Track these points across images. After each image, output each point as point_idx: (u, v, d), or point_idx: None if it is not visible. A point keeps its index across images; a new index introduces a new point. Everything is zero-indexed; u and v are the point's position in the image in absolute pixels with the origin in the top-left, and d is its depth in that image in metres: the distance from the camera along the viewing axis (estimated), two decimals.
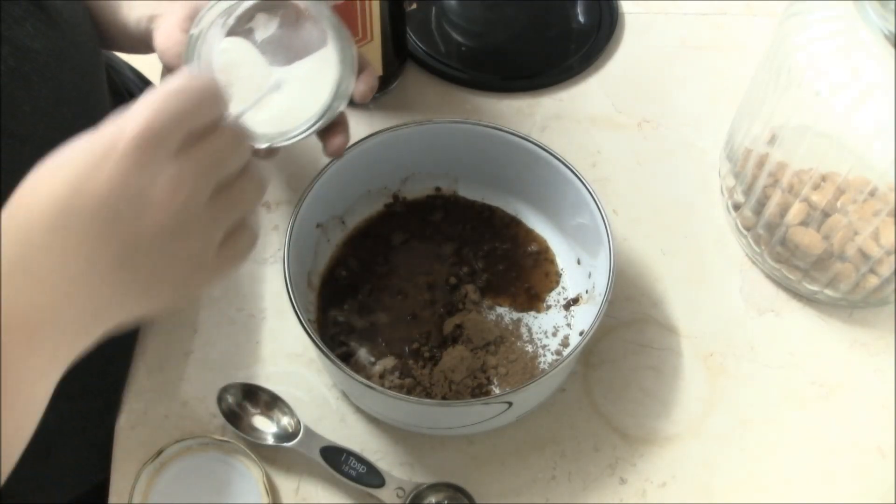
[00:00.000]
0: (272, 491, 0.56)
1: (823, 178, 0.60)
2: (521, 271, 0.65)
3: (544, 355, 0.61)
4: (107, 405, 0.60)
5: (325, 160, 0.59)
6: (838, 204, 0.59)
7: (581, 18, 0.83)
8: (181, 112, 0.36)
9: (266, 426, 0.58)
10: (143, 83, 0.76)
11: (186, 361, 0.62)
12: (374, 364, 0.60)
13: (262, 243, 0.67)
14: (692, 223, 0.70)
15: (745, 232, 0.66)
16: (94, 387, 0.60)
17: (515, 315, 0.63)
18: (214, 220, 0.39)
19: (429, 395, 0.58)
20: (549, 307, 0.63)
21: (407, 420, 0.58)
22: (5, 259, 0.34)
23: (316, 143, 0.56)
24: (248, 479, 0.56)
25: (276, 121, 0.52)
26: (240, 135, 0.39)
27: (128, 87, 0.71)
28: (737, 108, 0.68)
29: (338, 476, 0.56)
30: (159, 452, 0.57)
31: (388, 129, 0.61)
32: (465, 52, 0.80)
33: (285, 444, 0.57)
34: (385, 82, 0.75)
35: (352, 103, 0.54)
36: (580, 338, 0.57)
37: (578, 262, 0.63)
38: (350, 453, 0.56)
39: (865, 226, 0.58)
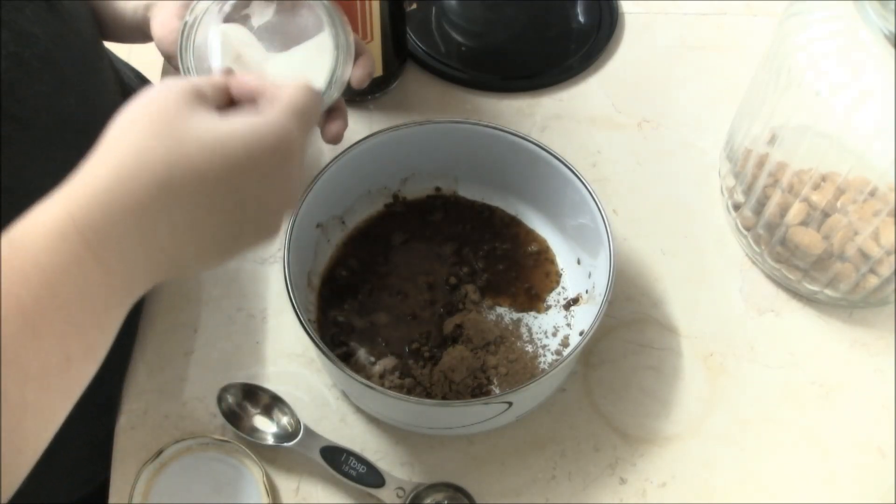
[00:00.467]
0: (272, 491, 0.56)
1: (823, 178, 0.60)
2: (521, 271, 0.65)
3: (544, 355, 0.61)
4: (107, 405, 0.60)
5: (325, 160, 0.59)
6: (838, 204, 0.59)
7: (581, 18, 0.83)
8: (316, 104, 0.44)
9: (266, 426, 0.58)
10: (143, 83, 0.76)
11: (186, 361, 0.62)
12: (374, 364, 0.60)
13: None
14: (692, 223, 0.70)
15: (745, 232, 0.66)
16: (94, 387, 0.60)
17: (515, 315, 0.63)
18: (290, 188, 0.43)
19: (429, 395, 0.58)
20: (549, 307, 0.63)
21: (407, 420, 0.58)
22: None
23: (316, 140, 0.56)
24: (248, 479, 0.56)
25: None
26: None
27: (131, 86, 0.71)
28: (737, 108, 0.68)
29: (338, 476, 0.56)
30: (159, 452, 0.57)
31: (388, 129, 0.61)
32: (465, 52, 0.80)
33: (285, 444, 0.57)
34: (385, 82, 0.75)
35: (351, 91, 0.53)
36: (580, 338, 0.57)
37: (578, 262, 0.63)
38: (350, 453, 0.56)
39: (865, 226, 0.58)
